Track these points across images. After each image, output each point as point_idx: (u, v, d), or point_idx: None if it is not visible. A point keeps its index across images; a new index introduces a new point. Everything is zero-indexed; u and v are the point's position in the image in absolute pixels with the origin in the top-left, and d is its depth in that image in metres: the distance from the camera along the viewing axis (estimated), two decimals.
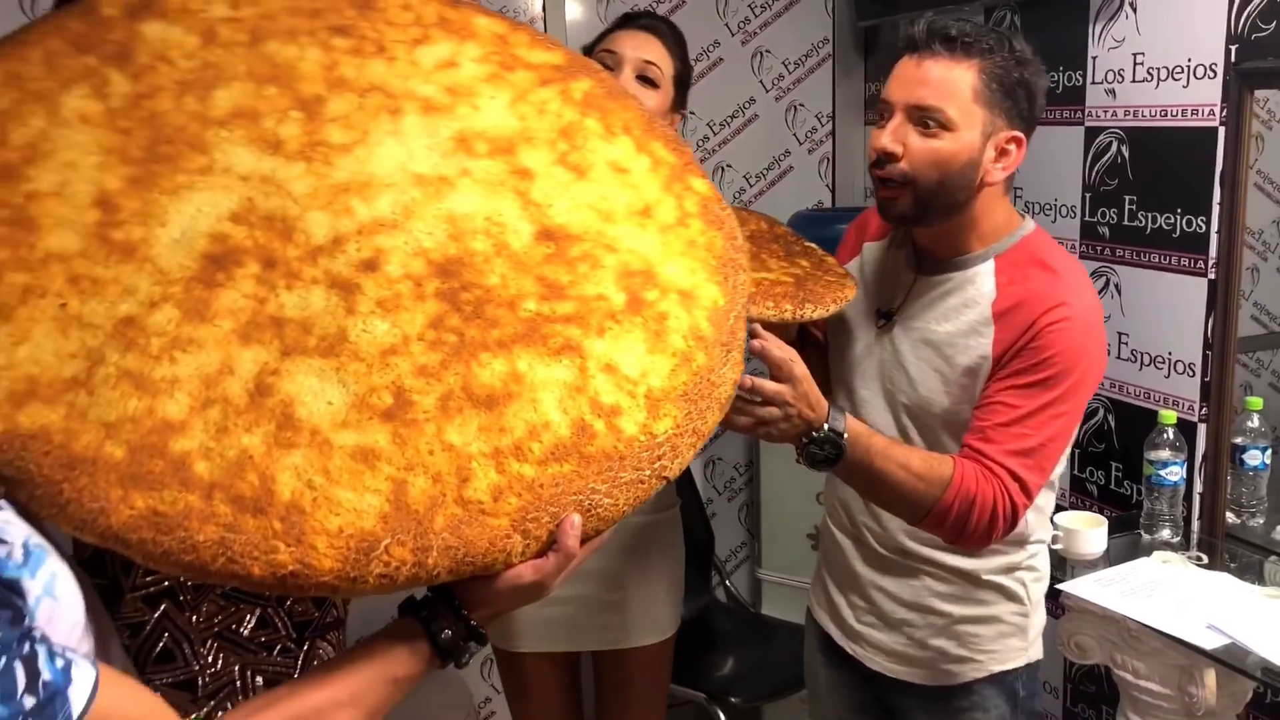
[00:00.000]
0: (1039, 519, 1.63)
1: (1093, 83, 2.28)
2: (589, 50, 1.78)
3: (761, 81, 2.98)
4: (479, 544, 0.98)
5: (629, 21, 1.82)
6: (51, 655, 0.81)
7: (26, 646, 0.79)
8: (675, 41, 1.80)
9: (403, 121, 1.21)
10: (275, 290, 1.05)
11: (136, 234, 1.05)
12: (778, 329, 1.47)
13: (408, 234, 1.12)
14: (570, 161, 1.25)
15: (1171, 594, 1.87)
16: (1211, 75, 2.02)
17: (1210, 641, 1.72)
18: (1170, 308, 2.15)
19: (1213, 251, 2.05)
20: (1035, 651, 1.68)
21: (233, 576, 0.93)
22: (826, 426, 1.38)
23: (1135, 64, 2.19)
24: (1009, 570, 1.63)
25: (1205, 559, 2.03)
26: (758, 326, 1.35)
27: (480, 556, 0.98)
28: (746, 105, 2.99)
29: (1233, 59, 1.98)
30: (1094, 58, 2.27)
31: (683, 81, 1.80)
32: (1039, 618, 1.68)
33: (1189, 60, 2.06)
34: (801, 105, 3.07)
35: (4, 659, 0.77)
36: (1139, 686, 1.88)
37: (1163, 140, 2.15)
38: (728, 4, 2.85)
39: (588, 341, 1.11)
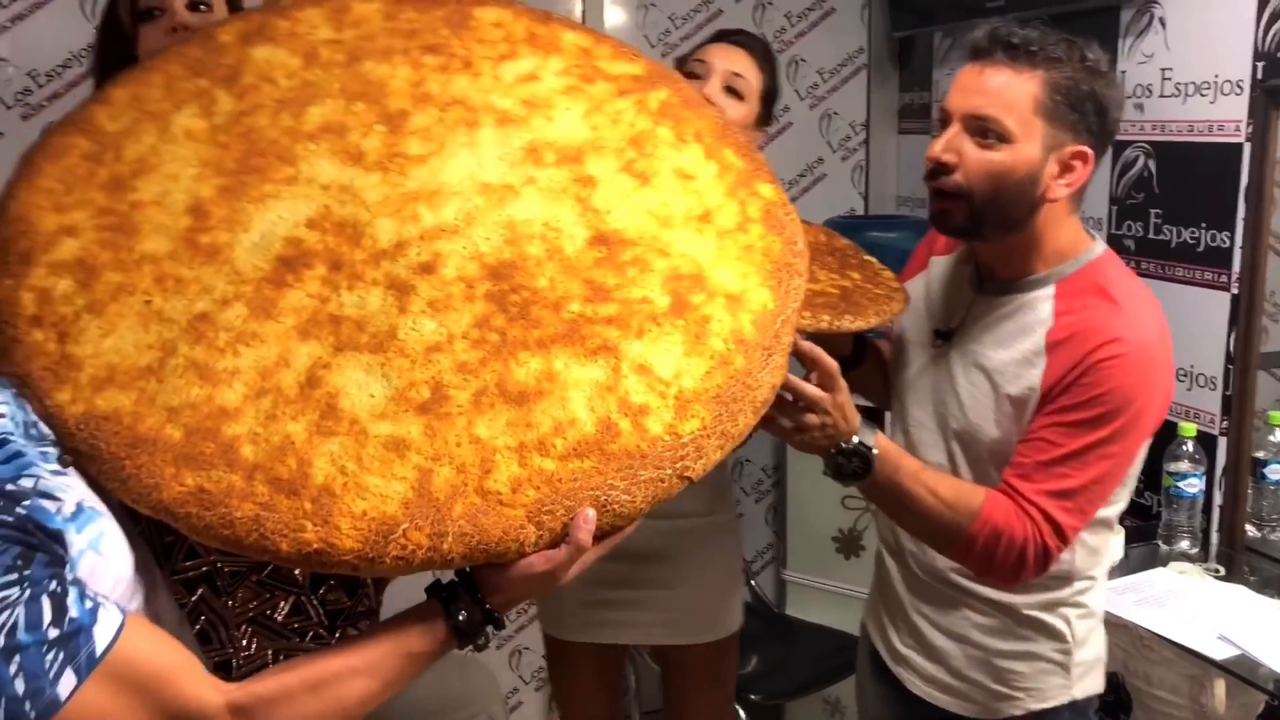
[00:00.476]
0: (1089, 557, 1.53)
1: None
2: (683, 61, 1.84)
3: (796, 90, 3.01)
4: (493, 533, 1.03)
5: (723, 36, 1.86)
6: (82, 597, 0.89)
7: (55, 585, 0.88)
8: (765, 59, 1.83)
9: (478, 133, 1.28)
10: (338, 290, 1.13)
11: (221, 238, 1.15)
12: (826, 340, 1.46)
13: (467, 239, 1.19)
14: (636, 169, 1.29)
15: (1185, 604, 1.88)
16: (1238, 92, 2.04)
17: (1220, 652, 1.73)
18: (1193, 321, 2.17)
19: (1236, 266, 2.07)
20: (1083, 688, 1.59)
21: (264, 551, 1.00)
22: (856, 439, 1.36)
23: (1163, 79, 2.21)
24: (1051, 606, 1.54)
25: (1223, 571, 2.04)
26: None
27: (494, 545, 1.03)
28: (781, 113, 3.02)
29: (1259, 76, 2.00)
30: (1123, 72, 2.29)
31: (769, 98, 1.83)
32: (1086, 654, 1.58)
33: (1216, 76, 2.08)
34: (835, 114, 3.11)
35: (32, 592, 0.86)
36: (1151, 694, 1.90)
37: (1189, 155, 2.16)
38: (764, 14, 2.89)
39: (625, 343, 1.15)
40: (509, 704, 2.98)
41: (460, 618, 1.05)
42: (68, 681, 0.87)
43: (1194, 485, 2.07)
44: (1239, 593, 1.94)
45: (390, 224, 1.18)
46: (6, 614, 0.85)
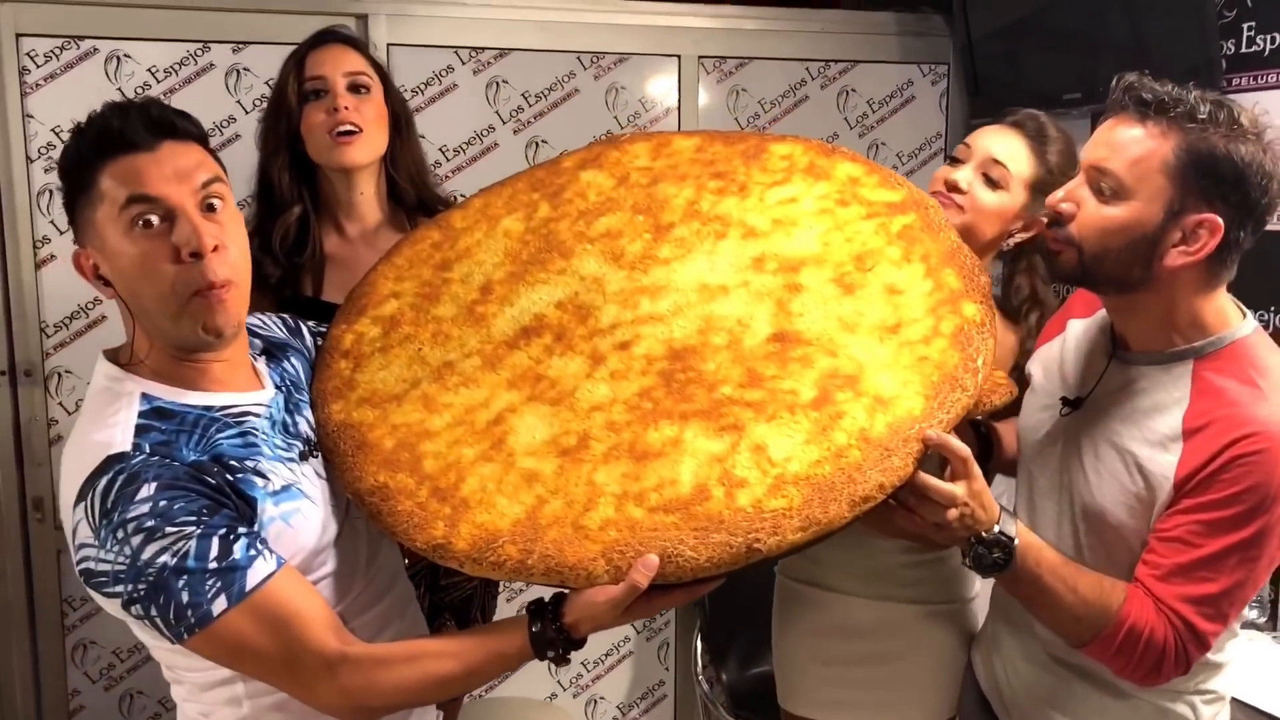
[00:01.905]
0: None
1: None
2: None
3: None
4: (569, 560, 1.18)
5: (1004, 115, 1.74)
6: (248, 546, 1.16)
7: (226, 532, 1.16)
8: (1040, 140, 1.67)
9: (721, 244, 1.45)
10: (552, 355, 1.37)
11: (492, 310, 1.44)
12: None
13: (667, 326, 1.37)
14: (845, 281, 1.38)
15: (1251, 666, 1.96)
16: None
17: None
18: None
19: None
20: None
21: (406, 540, 1.24)
22: (997, 529, 1.29)
23: None
24: (1175, 696, 1.43)
25: None
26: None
27: (568, 570, 1.18)
28: None
29: None
30: None
31: (1044, 186, 1.62)
32: None
33: None
34: None
35: (204, 531, 1.14)
36: None
37: (1261, 240, 2.26)
38: (848, 100, 3.05)
39: (753, 424, 1.24)
40: None
41: (535, 628, 1.20)
42: (220, 604, 1.16)
43: None
44: None
45: (614, 309, 1.40)
46: (182, 543, 1.14)
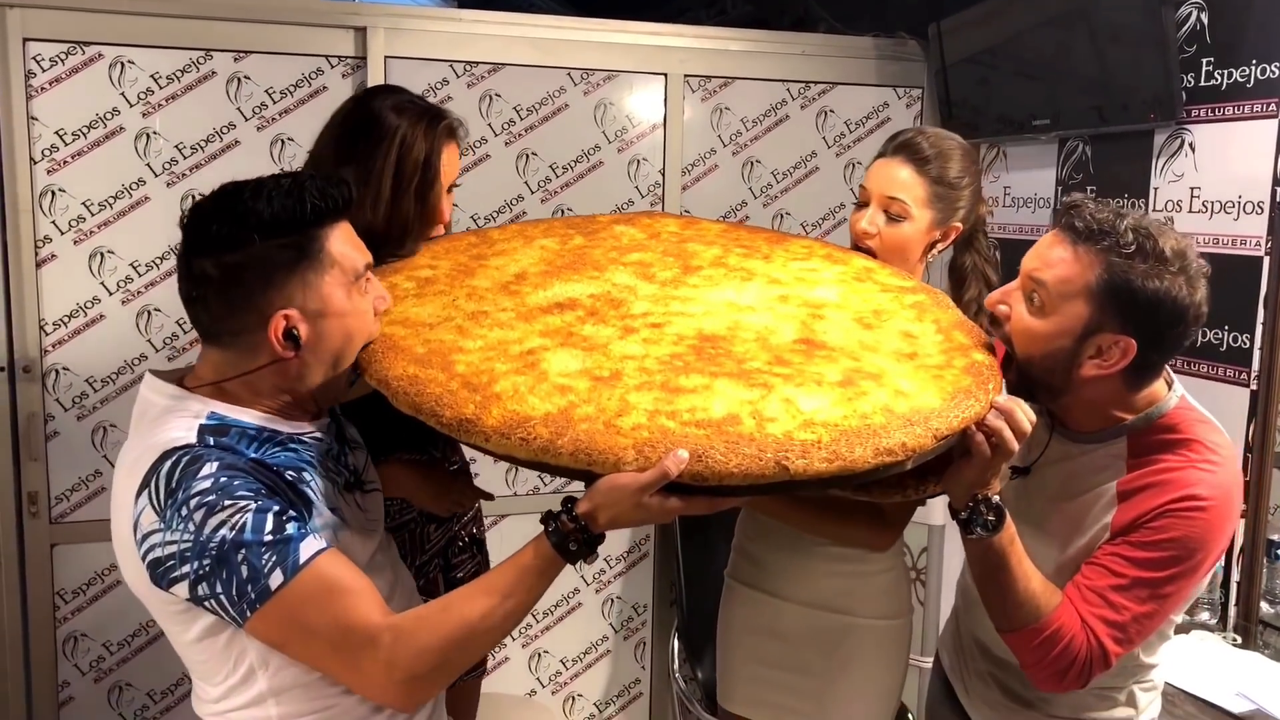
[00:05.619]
0: (1153, 645, 1.57)
1: (1153, 210, 2.55)
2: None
3: (851, 189, 3.28)
4: (599, 445, 1.20)
5: (885, 148, 1.78)
6: (299, 526, 1.20)
7: (279, 509, 1.19)
8: (927, 161, 1.73)
9: (748, 285, 1.59)
10: (584, 323, 1.44)
11: (526, 290, 1.54)
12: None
13: (697, 320, 1.46)
14: (864, 321, 1.48)
15: (1206, 665, 2.09)
16: (1259, 211, 2.27)
17: (1238, 706, 1.94)
18: (1215, 414, 2.23)
19: (1255, 365, 2.30)
20: None
21: (432, 415, 1.26)
22: (996, 498, 1.38)
23: (1192, 197, 2.44)
24: (1118, 688, 1.59)
25: (1240, 640, 2.24)
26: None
27: (597, 453, 1.19)
28: (836, 209, 3.29)
29: (1278, 199, 2.23)
30: (1155, 189, 2.54)
31: (942, 199, 1.74)
32: (1148, 716, 1.63)
33: (1239, 197, 2.32)
34: None
35: (260, 506, 1.18)
36: None
37: (1214, 265, 2.36)
38: (826, 120, 3.16)
39: (783, 385, 1.29)
40: None
41: (552, 527, 1.22)
42: (276, 577, 1.17)
43: None
44: (1255, 659, 2.14)
45: (645, 304, 1.50)
46: (239, 516, 1.17)
